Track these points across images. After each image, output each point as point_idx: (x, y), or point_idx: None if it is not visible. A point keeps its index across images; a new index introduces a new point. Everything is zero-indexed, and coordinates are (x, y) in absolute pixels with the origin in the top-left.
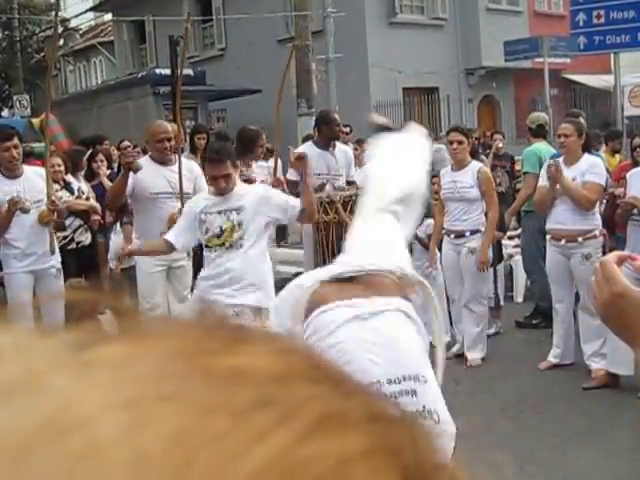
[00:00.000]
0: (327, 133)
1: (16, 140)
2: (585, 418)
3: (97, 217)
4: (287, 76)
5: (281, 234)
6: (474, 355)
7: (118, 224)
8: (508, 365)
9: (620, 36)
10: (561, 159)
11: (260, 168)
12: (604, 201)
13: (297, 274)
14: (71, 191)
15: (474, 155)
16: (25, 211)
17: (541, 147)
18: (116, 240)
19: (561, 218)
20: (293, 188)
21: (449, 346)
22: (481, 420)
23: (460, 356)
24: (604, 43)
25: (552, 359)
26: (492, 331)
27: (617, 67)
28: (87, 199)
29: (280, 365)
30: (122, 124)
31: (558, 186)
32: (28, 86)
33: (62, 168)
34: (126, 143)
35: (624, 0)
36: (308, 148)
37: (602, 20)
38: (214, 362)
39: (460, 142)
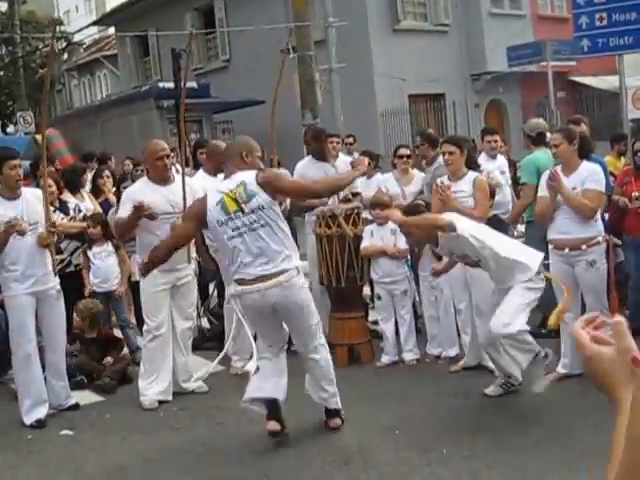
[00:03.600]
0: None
1: (19, 160)
2: (599, 433)
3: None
4: (281, 87)
5: None
6: None
7: (109, 245)
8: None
9: (623, 38)
10: (559, 168)
11: None
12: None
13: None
14: (66, 211)
15: (471, 165)
16: (22, 234)
17: (540, 156)
18: (108, 262)
19: (564, 228)
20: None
21: (457, 359)
22: (490, 437)
23: (468, 369)
24: (607, 45)
25: (561, 369)
26: None
27: (622, 69)
28: (84, 218)
29: None
30: (126, 139)
31: (559, 196)
32: (32, 102)
33: (54, 189)
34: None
35: (627, 2)
36: (307, 162)
37: (605, 22)
38: None
39: (451, 153)
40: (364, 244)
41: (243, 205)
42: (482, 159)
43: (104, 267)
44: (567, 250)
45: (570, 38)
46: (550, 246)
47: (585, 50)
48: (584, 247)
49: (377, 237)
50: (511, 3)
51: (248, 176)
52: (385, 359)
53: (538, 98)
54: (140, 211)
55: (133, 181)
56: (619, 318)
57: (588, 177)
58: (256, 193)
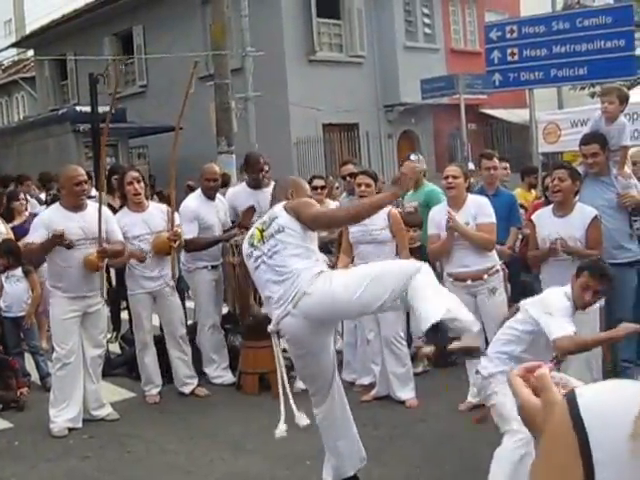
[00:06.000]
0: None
1: None
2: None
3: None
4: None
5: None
6: (407, 395)
7: (20, 271)
8: (428, 407)
9: (534, 73)
10: (445, 203)
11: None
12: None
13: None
14: None
15: None
16: None
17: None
18: (17, 288)
19: (463, 261)
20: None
21: (371, 387)
22: (401, 468)
23: (379, 399)
24: (518, 80)
25: (471, 399)
26: (420, 370)
27: (532, 103)
28: None
29: None
30: (42, 162)
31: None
32: None
33: None
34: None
35: (537, 38)
36: (241, 187)
37: (516, 57)
38: None
39: (368, 185)
40: None
41: (265, 233)
42: None
43: (12, 292)
44: (469, 281)
45: (482, 72)
46: (449, 279)
47: (497, 84)
48: (485, 277)
49: None
50: (425, 37)
51: (280, 204)
52: (297, 387)
53: (450, 129)
54: (58, 240)
55: (47, 205)
56: (543, 371)
57: (479, 211)
58: (277, 216)
